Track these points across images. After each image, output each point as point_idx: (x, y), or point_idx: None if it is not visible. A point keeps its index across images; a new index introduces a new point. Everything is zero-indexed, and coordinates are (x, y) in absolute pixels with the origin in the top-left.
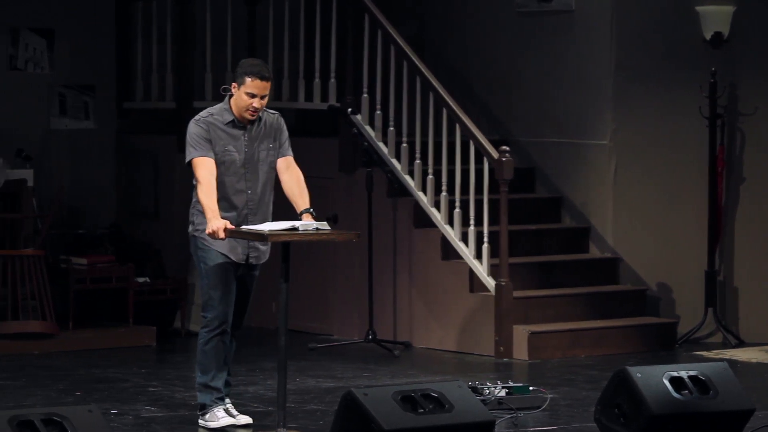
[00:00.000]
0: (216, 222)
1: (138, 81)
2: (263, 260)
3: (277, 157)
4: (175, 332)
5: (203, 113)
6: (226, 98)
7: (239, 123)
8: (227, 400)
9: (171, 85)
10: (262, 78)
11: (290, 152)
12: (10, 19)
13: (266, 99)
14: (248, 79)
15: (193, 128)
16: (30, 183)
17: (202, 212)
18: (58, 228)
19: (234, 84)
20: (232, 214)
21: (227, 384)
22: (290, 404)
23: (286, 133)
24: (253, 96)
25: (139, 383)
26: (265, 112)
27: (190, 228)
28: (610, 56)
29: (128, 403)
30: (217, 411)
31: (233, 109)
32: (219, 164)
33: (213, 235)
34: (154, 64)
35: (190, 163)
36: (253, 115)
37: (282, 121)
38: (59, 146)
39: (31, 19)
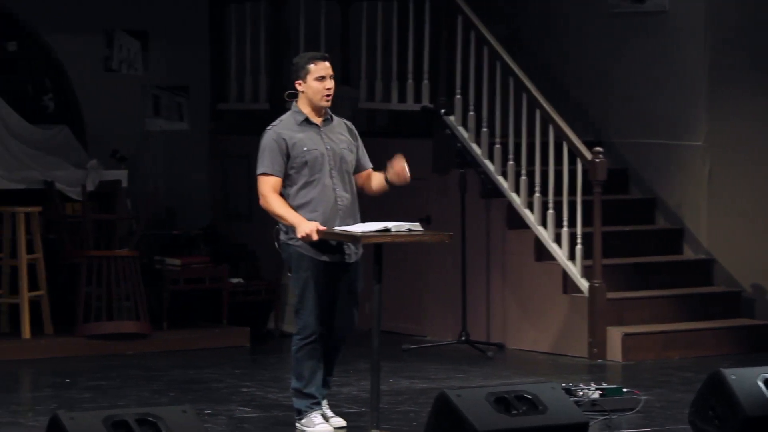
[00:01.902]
0: (306, 225)
1: (232, 82)
2: (355, 259)
3: (357, 165)
4: (269, 333)
5: (275, 122)
6: (293, 104)
7: (312, 121)
8: (324, 402)
9: (264, 87)
10: (323, 59)
11: (370, 164)
12: (105, 21)
13: (333, 81)
14: (312, 66)
15: (266, 139)
16: (124, 184)
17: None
18: (152, 229)
19: (298, 81)
20: (319, 213)
21: (326, 385)
22: (383, 405)
23: (360, 141)
24: (323, 78)
25: (233, 384)
26: (334, 117)
27: (283, 236)
28: (704, 57)
29: (222, 404)
30: (314, 416)
31: (305, 107)
32: (302, 166)
33: (306, 238)
34: (247, 65)
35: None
36: (328, 99)
37: (354, 128)
38: (153, 147)
39: (126, 20)
